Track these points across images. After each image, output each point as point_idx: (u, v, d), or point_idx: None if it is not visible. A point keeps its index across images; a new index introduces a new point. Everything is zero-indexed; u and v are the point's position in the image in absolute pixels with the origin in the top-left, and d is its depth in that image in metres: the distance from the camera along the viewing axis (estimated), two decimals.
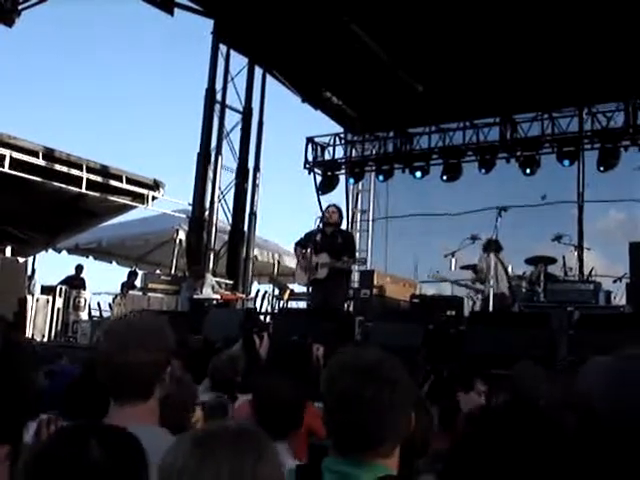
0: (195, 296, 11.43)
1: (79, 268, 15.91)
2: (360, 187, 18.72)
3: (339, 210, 10.27)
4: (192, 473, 1.43)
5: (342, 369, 2.00)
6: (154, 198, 15.77)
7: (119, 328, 2.37)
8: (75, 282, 14.86)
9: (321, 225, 9.91)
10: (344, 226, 11.39)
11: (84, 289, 14.48)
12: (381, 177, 17.19)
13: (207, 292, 11.57)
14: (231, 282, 13.19)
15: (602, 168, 14.09)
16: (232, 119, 14.68)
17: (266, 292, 14.59)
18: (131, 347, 2.24)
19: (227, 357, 5.05)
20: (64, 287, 13.55)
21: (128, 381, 2.25)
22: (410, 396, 2.01)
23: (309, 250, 9.74)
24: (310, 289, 9.93)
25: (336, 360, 2.05)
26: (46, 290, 13.42)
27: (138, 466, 1.58)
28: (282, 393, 3.43)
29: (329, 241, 9.73)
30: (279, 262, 17.73)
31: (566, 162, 14.56)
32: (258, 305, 14.24)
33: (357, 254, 10.21)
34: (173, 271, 14.84)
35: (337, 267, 9.54)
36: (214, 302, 11.76)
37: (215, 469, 1.43)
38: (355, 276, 14.32)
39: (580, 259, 13.19)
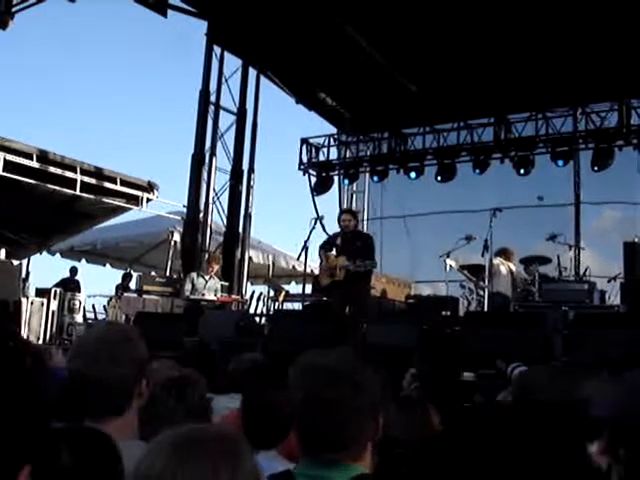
0: (192, 296, 11.41)
1: (73, 270, 15.89)
2: (355, 188, 18.71)
3: (353, 214, 10.65)
4: (169, 477, 1.40)
5: (305, 371, 1.99)
6: (148, 200, 15.75)
7: (89, 343, 2.35)
8: (70, 284, 14.83)
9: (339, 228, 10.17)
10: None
11: (79, 291, 14.45)
12: (376, 178, 17.19)
13: (207, 295, 11.53)
14: (226, 284, 13.16)
15: (596, 168, 14.11)
16: (226, 120, 14.67)
17: (261, 294, 14.60)
18: (102, 362, 2.22)
19: (248, 359, 4.94)
20: (59, 290, 13.52)
21: (101, 397, 2.22)
22: (377, 399, 1.98)
23: (332, 252, 9.94)
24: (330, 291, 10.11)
25: (301, 362, 2.03)
26: (41, 293, 13.38)
27: (110, 468, 1.56)
28: (274, 400, 3.40)
29: (349, 245, 9.87)
30: (274, 264, 17.71)
31: (560, 162, 14.57)
32: (253, 307, 14.24)
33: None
34: (168, 273, 14.81)
35: (352, 270, 9.62)
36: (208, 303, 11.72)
37: (194, 475, 1.40)
38: None
39: (576, 259, 13.21)
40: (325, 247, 10.13)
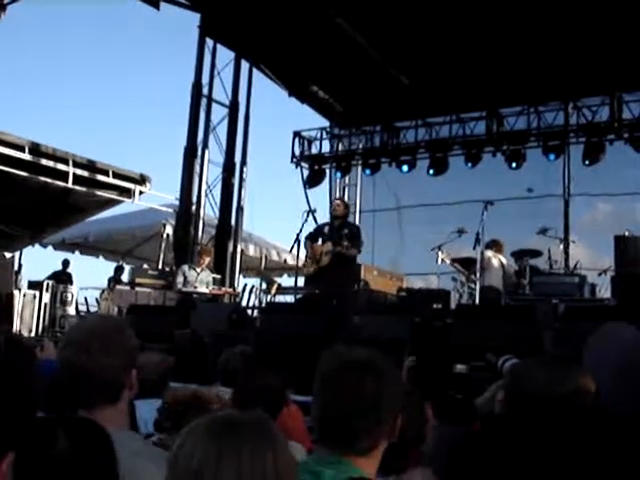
0: (184, 289, 11.42)
1: (66, 263, 15.88)
2: (347, 181, 18.72)
3: (344, 203, 10.98)
4: (212, 466, 1.39)
5: (331, 362, 2.01)
6: (141, 192, 15.74)
7: (80, 334, 2.34)
8: (62, 277, 14.83)
9: (329, 219, 10.45)
10: None
11: (71, 284, 14.46)
12: (368, 171, 17.20)
13: (199, 287, 11.54)
14: (218, 276, 13.18)
15: (587, 162, 14.16)
16: (219, 113, 14.67)
17: (253, 286, 14.61)
18: (93, 352, 2.21)
19: (240, 352, 4.98)
20: (51, 282, 13.53)
21: (93, 387, 2.22)
22: (398, 392, 2.01)
23: (318, 243, 10.16)
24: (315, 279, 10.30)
25: (326, 354, 2.05)
26: (33, 285, 13.39)
27: (106, 457, 1.56)
28: (263, 382, 3.44)
29: (336, 232, 10.07)
30: (266, 256, 17.72)
31: (552, 156, 14.60)
32: (245, 299, 14.26)
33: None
34: (160, 266, 14.80)
35: (337, 252, 9.80)
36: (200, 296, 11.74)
37: (236, 461, 1.39)
38: None
39: (566, 252, 13.26)
40: (311, 238, 10.26)
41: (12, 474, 1.47)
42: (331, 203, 10.93)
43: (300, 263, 10.68)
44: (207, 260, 11.97)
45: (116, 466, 1.55)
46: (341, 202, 10.75)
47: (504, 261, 11.53)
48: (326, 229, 10.29)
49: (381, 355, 2.04)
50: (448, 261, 11.16)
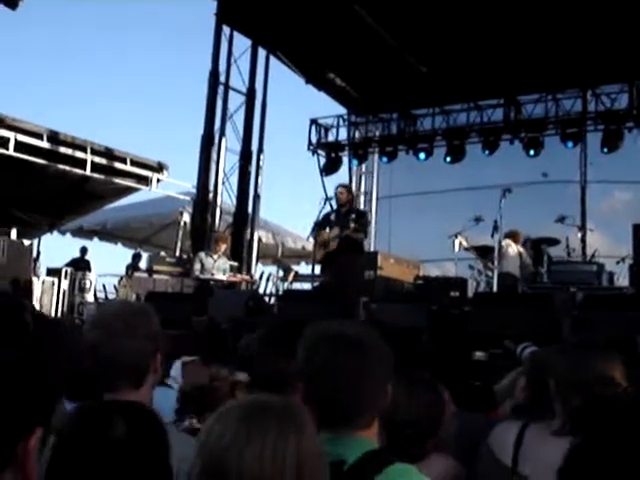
0: (201, 276, 11.45)
1: (84, 250, 15.97)
2: (364, 169, 18.71)
3: (347, 189, 10.90)
4: (239, 445, 1.41)
5: (322, 339, 2.00)
6: (158, 180, 15.80)
7: (105, 317, 2.37)
8: (80, 264, 14.91)
9: (335, 206, 10.49)
10: None
11: (89, 271, 14.53)
12: (385, 159, 17.19)
13: (216, 274, 11.56)
14: (235, 264, 13.22)
15: (606, 149, 14.09)
16: (236, 101, 14.70)
17: (270, 274, 14.64)
18: (118, 336, 2.24)
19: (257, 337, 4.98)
20: (69, 269, 13.60)
21: (117, 370, 2.25)
22: (389, 368, 2.02)
23: (325, 231, 10.22)
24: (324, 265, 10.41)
25: (315, 330, 2.04)
26: (52, 272, 13.46)
27: (161, 443, 1.58)
28: (276, 366, 3.46)
29: (342, 218, 10.15)
30: (283, 244, 17.74)
31: (570, 144, 14.54)
32: (262, 287, 14.29)
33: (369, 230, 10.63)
34: (178, 253, 14.86)
35: (345, 236, 9.90)
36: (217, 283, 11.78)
37: (261, 442, 1.42)
38: None
39: (583, 240, 13.19)
40: (319, 226, 10.34)
41: (63, 460, 1.49)
42: (337, 185, 10.89)
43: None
44: (224, 247, 11.99)
45: (169, 453, 1.57)
46: (344, 189, 10.70)
47: (522, 250, 11.51)
48: (332, 216, 10.36)
49: (371, 331, 2.04)
50: (466, 244, 11.14)
